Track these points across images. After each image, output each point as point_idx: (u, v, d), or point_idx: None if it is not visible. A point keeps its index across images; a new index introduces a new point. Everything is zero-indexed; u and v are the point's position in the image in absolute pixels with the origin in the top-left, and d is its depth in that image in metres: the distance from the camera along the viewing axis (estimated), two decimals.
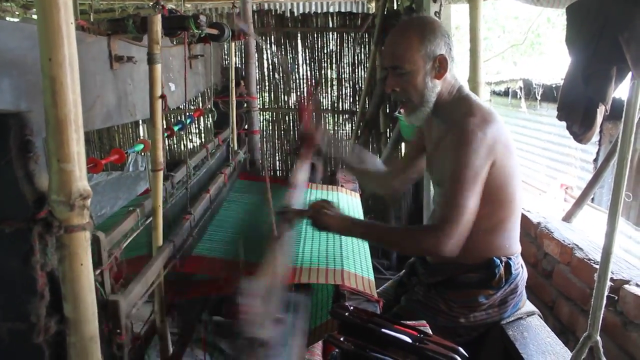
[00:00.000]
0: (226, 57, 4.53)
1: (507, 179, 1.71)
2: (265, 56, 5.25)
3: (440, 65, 1.70)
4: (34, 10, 5.56)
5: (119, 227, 1.28)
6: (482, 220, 1.75)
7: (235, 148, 2.70)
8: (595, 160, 5.86)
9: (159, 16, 1.25)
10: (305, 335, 1.41)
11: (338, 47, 5.18)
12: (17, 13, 5.61)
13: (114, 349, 0.91)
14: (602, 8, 1.27)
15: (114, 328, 0.94)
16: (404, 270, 2.09)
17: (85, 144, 0.80)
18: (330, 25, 5.15)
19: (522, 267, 1.85)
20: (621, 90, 1.37)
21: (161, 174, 1.37)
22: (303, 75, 5.31)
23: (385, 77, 1.78)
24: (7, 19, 5.68)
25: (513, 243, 1.81)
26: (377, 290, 1.91)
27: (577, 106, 1.36)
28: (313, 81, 5.15)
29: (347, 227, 1.68)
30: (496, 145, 1.63)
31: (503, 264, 1.76)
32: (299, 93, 5.34)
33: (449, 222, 1.57)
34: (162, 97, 1.28)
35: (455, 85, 1.77)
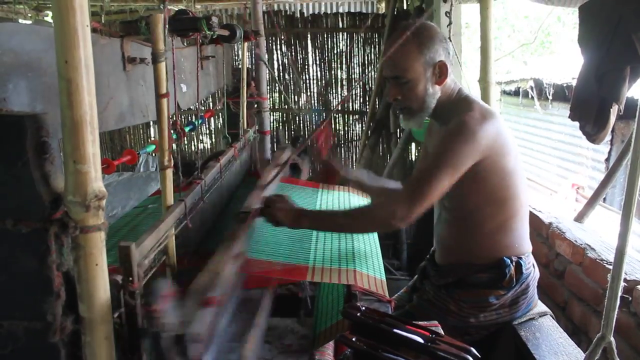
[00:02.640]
0: (237, 57, 4.56)
1: (507, 178, 1.71)
2: (275, 57, 5.26)
3: (441, 71, 1.71)
4: (47, 12, 5.62)
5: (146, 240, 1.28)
6: (486, 221, 1.75)
7: (245, 126, 2.69)
8: (607, 160, 5.82)
9: (162, 15, 1.26)
10: (262, 332, 1.43)
11: (348, 48, 5.19)
12: (29, 15, 5.66)
13: (126, 297, 0.91)
14: (616, 7, 1.27)
15: (126, 276, 0.94)
16: (416, 276, 2.09)
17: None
18: (340, 25, 5.15)
19: (533, 266, 1.84)
20: (634, 90, 1.36)
21: (170, 172, 1.38)
22: (313, 75, 5.31)
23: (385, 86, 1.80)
24: (20, 21, 5.73)
25: (523, 242, 1.81)
26: (393, 297, 1.91)
27: (590, 106, 1.36)
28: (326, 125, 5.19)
29: (296, 218, 1.66)
30: (491, 142, 1.63)
31: (513, 263, 1.75)
32: (310, 94, 5.34)
33: (411, 195, 1.57)
34: (166, 95, 1.28)
35: (454, 88, 1.78)
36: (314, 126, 5.37)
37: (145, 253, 1.10)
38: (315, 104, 5.39)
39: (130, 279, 0.96)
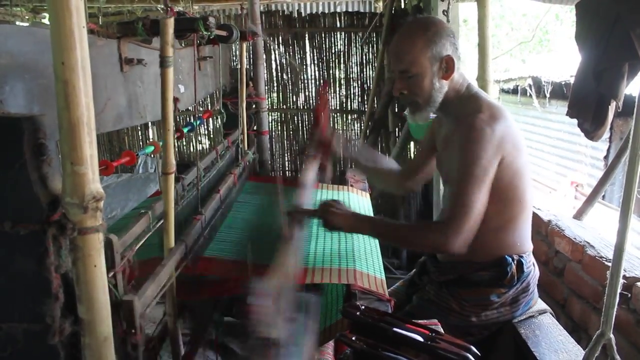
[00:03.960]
0: (234, 58, 4.55)
1: (516, 177, 1.70)
2: (273, 57, 5.26)
3: (447, 66, 1.70)
4: (44, 14, 5.61)
5: (131, 229, 1.29)
6: (491, 219, 1.74)
7: (245, 149, 2.70)
8: (606, 157, 5.82)
9: (172, 20, 1.25)
10: (315, 335, 1.41)
11: (346, 47, 5.18)
12: (26, 17, 5.65)
13: (128, 349, 0.91)
14: (613, 5, 1.27)
15: (129, 328, 0.95)
16: (414, 270, 2.08)
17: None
18: (338, 25, 5.15)
19: (533, 265, 1.84)
20: (632, 87, 1.36)
21: (172, 177, 1.38)
22: (311, 75, 5.31)
23: (393, 80, 1.79)
24: (17, 23, 5.72)
25: (524, 241, 1.81)
26: (388, 290, 1.91)
27: (588, 103, 1.36)
28: (323, 83, 5.15)
29: (355, 224, 1.69)
30: (504, 142, 1.63)
31: (515, 262, 1.75)
32: (308, 94, 5.34)
33: (456, 218, 1.57)
34: (176, 100, 1.28)
35: (463, 83, 1.77)
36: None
37: (148, 303, 1.10)
38: (314, 104, 5.38)
39: (133, 331, 0.96)
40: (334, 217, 1.66)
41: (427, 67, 1.69)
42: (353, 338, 1.18)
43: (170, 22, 1.25)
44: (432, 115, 1.84)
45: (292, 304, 1.25)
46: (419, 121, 1.82)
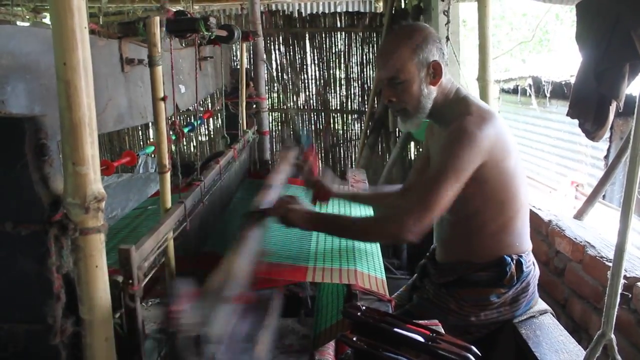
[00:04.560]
0: (235, 58, 4.55)
1: (508, 179, 1.71)
2: (273, 57, 5.26)
3: (435, 72, 1.70)
4: (45, 14, 5.61)
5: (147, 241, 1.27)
6: (487, 222, 1.75)
7: (244, 127, 2.68)
8: (606, 157, 5.82)
9: (158, 19, 1.25)
10: (273, 332, 1.43)
11: (346, 47, 5.18)
12: (27, 17, 5.65)
13: (126, 300, 0.91)
14: (614, 5, 1.27)
15: (126, 278, 0.94)
16: (416, 274, 2.08)
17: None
18: (338, 25, 5.15)
19: (533, 264, 1.84)
20: (632, 87, 1.36)
21: (168, 175, 1.37)
22: (311, 75, 5.31)
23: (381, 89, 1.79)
24: (18, 23, 5.72)
25: (523, 241, 1.81)
26: (393, 296, 1.91)
27: (589, 104, 1.36)
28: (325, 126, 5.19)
29: (310, 221, 1.67)
30: (493, 146, 1.62)
31: (514, 262, 1.75)
32: (309, 93, 5.34)
33: (420, 210, 1.54)
34: (164, 99, 1.28)
35: (452, 88, 1.77)
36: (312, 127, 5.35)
37: (145, 256, 1.10)
38: (314, 104, 5.38)
39: (131, 281, 0.96)
40: (290, 214, 1.64)
41: (415, 74, 1.68)
42: (354, 338, 1.18)
43: (157, 20, 1.25)
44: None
45: (230, 301, 1.26)
46: (410, 129, 1.81)
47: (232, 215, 2.14)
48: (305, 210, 1.68)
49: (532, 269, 1.83)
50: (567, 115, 1.47)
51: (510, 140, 1.71)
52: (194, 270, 1.32)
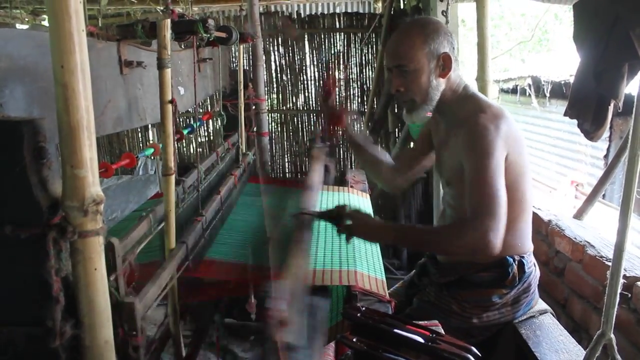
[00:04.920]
0: (234, 59, 4.55)
1: (518, 177, 1.70)
2: (272, 58, 5.26)
3: (445, 64, 1.69)
4: (44, 16, 5.62)
5: (132, 232, 1.29)
6: None
7: (244, 150, 2.70)
8: (606, 156, 5.82)
9: (168, 21, 1.25)
10: (324, 338, 1.42)
11: (345, 48, 5.18)
12: (26, 20, 5.66)
13: (129, 351, 0.91)
14: (612, 5, 1.27)
15: (130, 330, 0.95)
16: (414, 271, 2.08)
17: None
18: (337, 26, 5.15)
19: (534, 265, 1.84)
20: (631, 86, 1.36)
21: (173, 178, 1.38)
22: (311, 76, 5.31)
23: (390, 79, 1.77)
24: (17, 25, 5.72)
25: (525, 241, 1.80)
26: (388, 291, 1.90)
27: (588, 104, 1.36)
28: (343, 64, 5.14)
29: (381, 234, 1.62)
30: (508, 140, 1.62)
31: (516, 262, 1.75)
32: (308, 95, 5.34)
33: (487, 214, 1.49)
34: (172, 101, 1.28)
35: (460, 84, 1.76)
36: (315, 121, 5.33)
37: (149, 305, 1.10)
38: (313, 105, 5.38)
39: (134, 332, 0.96)
40: (360, 229, 1.59)
41: (425, 64, 1.67)
42: (354, 339, 1.18)
43: (167, 24, 1.25)
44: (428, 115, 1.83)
45: (303, 307, 1.25)
46: (415, 121, 1.80)
47: (236, 222, 2.14)
48: (377, 223, 1.62)
49: (534, 270, 1.82)
50: (565, 115, 1.47)
51: (521, 137, 1.70)
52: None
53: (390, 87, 1.78)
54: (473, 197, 1.56)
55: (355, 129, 2.16)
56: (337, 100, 2.09)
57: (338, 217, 1.63)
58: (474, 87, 1.90)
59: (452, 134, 1.74)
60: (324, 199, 2.41)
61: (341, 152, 5.43)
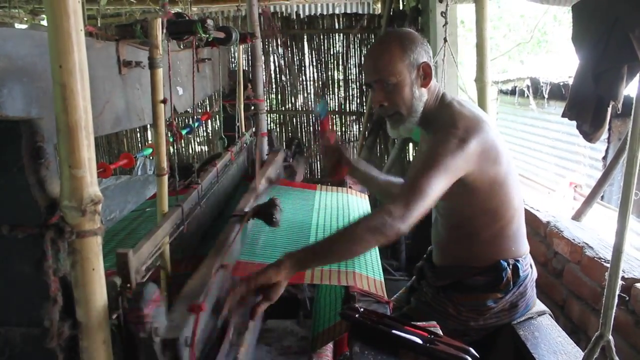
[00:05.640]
0: (233, 59, 4.55)
1: (498, 187, 1.69)
2: (272, 58, 5.27)
3: (425, 73, 1.68)
4: (42, 16, 5.61)
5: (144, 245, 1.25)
6: (481, 230, 1.73)
7: (243, 130, 2.67)
8: (605, 158, 5.83)
9: (159, 20, 1.25)
10: (256, 335, 1.42)
11: (344, 49, 5.19)
12: (25, 19, 5.66)
13: (125, 303, 0.91)
14: (611, 7, 1.27)
15: (124, 282, 0.94)
16: (414, 277, 2.08)
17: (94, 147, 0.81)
18: (336, 26, 5.15)
19: (531, 267, 1.84)
20: (630, 88, 1.36)
21: (165, 178, 1.37)
22: (310, 77, 5.31)
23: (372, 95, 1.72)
24: (16, 24, 5.72)
25: (520, 245, 1.80)
26: (392, 299, 1.90)
27: (587, 105, 1.36)
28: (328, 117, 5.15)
29: (296, 268, 1.39)
30: (480, 156, 1.59)
31: (510, 266, 1.74)
32: (307, 95, 5.34)
33: (407, 195, 1.47)
34: (164, 101, 1.28)
35: (439, 93, 1.75)
36: (317, 120, 5.33)
37: (143, 259, 1.10)
38: (313, 105, 5.39)
39: (128, 285, 0.96)
40: (274, 274, 1.35)
41: (406, 75, 1.65)
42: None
43: (158, 22, 1.25)
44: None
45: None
46: (402, 134, 1.78)
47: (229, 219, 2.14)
48: (284, 264, 1.37)
49: (530, 273, 1.82)
50: (564, 116, 1.47)
51: (499, 146, 1.67)
52: (190, 274, 1.33)
53: (372, 102, 1.75)
54: (404, 186, 1.56)
55: (353, 159, 2.08)
56: (335, 138, 2.03)
57: (265, 212, 1.63)
58: (471, 89, 1.89)
59: (425, 145, 1.74)
60: (322, 199, 2.41)
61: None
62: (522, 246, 1.81)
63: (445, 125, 1.61)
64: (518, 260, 1.76)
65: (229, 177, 2.23)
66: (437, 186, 1.50)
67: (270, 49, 5.19)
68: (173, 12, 1.50)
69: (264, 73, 3.09)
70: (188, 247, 1.64)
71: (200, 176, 1.80)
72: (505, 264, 1.74)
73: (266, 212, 1.65)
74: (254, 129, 2.97)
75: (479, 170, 1.62)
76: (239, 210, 1.71)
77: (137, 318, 0.89)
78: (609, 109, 1.33)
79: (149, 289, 0.91)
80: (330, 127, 2.08)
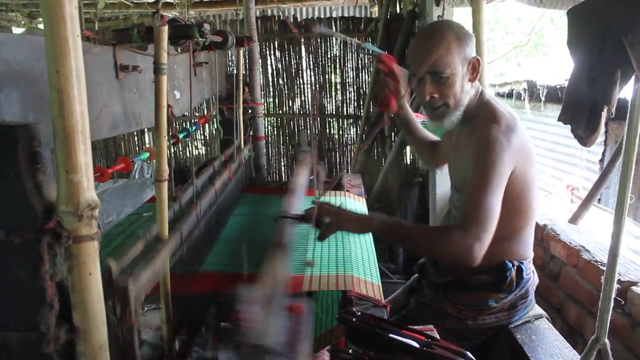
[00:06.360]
0: (231, 63, 4.55)
1: (526, 188, 1.69)
2: (269, 62, 5.27)
3: (474, 68, 1.69)
4: (40, 19, 5.61)
5: (130, 252, 1.26)
6: (498, 228, 1.74)
7: (242, 146, 2.68)
8: (601, 160, 5.83)
9: (166, 27, 1.25)
10: (310, 341, 1.41)
11: (342, 52, 5.19)
12: (22, 23, 5.66)
13: (124, 332, 0.91)
14: (606, 11, 1.27)
15: (124, 312, 0.95)
16: (414, 276, 2.08)
17: (91, 152, 0.81)
18: (334, 30, 5.15)
19: (533, 272, 1.84)
20: (626, 90, 1.37)
21: (165, 184, 1.36)
22: (307, 80, 5.31)
23: (418, 84, 1.71)
24: (13, 28, 5.72)
25: (526, 249, 1.80)
26: (389, 298, 1.90)
27: (581, 109, 1.37)
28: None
29: (368, 224, 1.57)
30: (518, 154, 1.61)
31: (515, 267, 1.75)
32: (304, 99, 5.34)
33: (476, 223, 1.48)
34: (169, 107, 1.28)
35: (479, 89, 1.75)
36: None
37: (142, 288, 1.10)
38: (310, 109, 5.39)
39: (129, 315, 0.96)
40: (342, 222, 1.54)
41: (460, 69, 1.65)
42: (350, 351, 1.18)
43: (165, 30, 1.25)
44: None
45: (282, 310, 1.24)
46: (446, 127, 1.77)
47: (233, 232, 2.14)
48: (358, 215, 1.63)
49: (532, 277, 1.83)
50: (559, 120, 1.47)
51: (532, 148, 1.70)
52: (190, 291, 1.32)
53: (419, 94, 1.71)
54: (467, 205, 1.56)
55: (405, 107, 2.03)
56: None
57: (332, 217, 1.59)
58: (491, 92, 1.88)
59: (464, 141, 1.74)
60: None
61: (336, 156, 5.43)
62: (529, 250, 1.82)
63: (488, 121, 1.63)
64: (522, 263, 1.77)
65: (227, 194, 2.23)
66: (497, 203, 1.52)
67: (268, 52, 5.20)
68: (170, 16, 1.50)
69: (261, 76, 3.09)
70: (186, 264, 1.63)
71: (200, 196, 1.80)
72: (510, 264, 1.74)
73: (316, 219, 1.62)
74: (251, 132, 2.98)
75: (517, 170, 1.63)
76: (286, 211, 1.66)
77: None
78: (604, 113, 1.33)
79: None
80: (389, 61, 1.96)
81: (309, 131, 5.39)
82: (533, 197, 1.74)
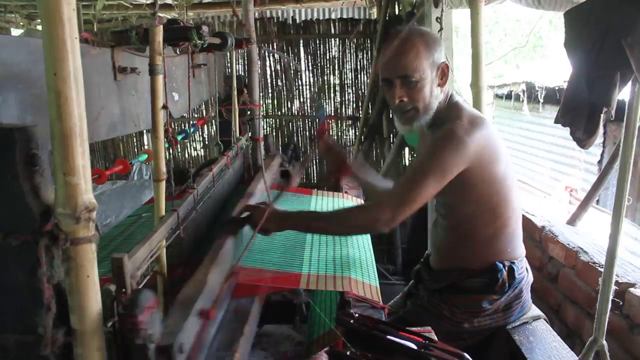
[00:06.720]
0: (229, 65, 4.56)
1: (497, 185, 1.72)
2: (268, 63, 5.27)
3: (443, 74, 1.72)
4: (39, 21, 5.62)
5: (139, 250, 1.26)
6: (480, 228, 1.75)
7: (237, 134, 2.67)
8: (600, 162, 5.85)
9: (161, 27, 1.25)
10: (250, 341, 1.42)
11: (340, 54, 5.20)
12: (21, 24, 5.66)
13: (119, 309, 0.90)
14: (604, 13, 1.28)
15: (119, 287, 0.94)
16: (411, 282, 2.09)
17: (89, 153, 0.81)
18: (332, 31, 5.16)
19: (527, 270, 1.85)
20: (624, 92, 1.37)
21: (163, 184, 1.37)
22: (306, 81, 5.32)
23: (390, 90, 1.74)
24: (12, 29, 5.72)
25: (516, 247, 1.81)
26: (389, 304, 1.90)
27: (580, 111, 1.37)
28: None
29: (279, 221, 1.63)
30: (481, 151, 1.63)
31: (506, 268, 1.76)
32: (303, 100, 5.35)
33: (398, 200, 1.58)
34: (165, 107, 1.28)
35: (449, 93, 1.78)
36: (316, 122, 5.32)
37: (138, 264, 1.10)
38: (308, 110, 5.39)
39: (124, 290, 0.96)
40: (260, 220, 1.58)
41: (429, 74, 1.68)
42: (347, 353, 1.18)
43: (159, 30, 1.25)
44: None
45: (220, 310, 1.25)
46: (415, 130, 1.80)
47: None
48: (275, 211, 1.64)
49: (525, 275, 1.83)
50: (557, 122, 1.48)
51: (499, 145, 1.72)
52: (186, 279, 1.32)
53: (390, 98, 1.75)
54: (398, 185, 1.65)
55: (354, 161, 2.10)
56: (333, 141, 2.04)
57: (248, 216, 1.64)
58: (466, 94, 1.92)
59: (430, 140, 1.76)
60: (318, 203, 2.41)
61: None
62: (518, 248, 1.82)
63: (451, 119, 1.67)
64: (514, 263, 1.78)
65: (225, 182, 2.23)
66: (429, 190, 1.58)
67: (267, 52, 5.20)
68: (169, 17, 1.50)
69: (261, 78, 3.09)
70: (183, 252, 1.63)
71: (196, 181, 1.80)
72: (501, 265, 1.75)
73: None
74: (250, 133, 2.97)
75: (480, 166, 1.65)
76: (233, 215, 1.70)
77: (132, 324, 0.88)
78: (602, 116, 1.33)
79: (144, 295, 0.90)
80: (328, 129, 2.06)
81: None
82: (508, 193, 1.75)
